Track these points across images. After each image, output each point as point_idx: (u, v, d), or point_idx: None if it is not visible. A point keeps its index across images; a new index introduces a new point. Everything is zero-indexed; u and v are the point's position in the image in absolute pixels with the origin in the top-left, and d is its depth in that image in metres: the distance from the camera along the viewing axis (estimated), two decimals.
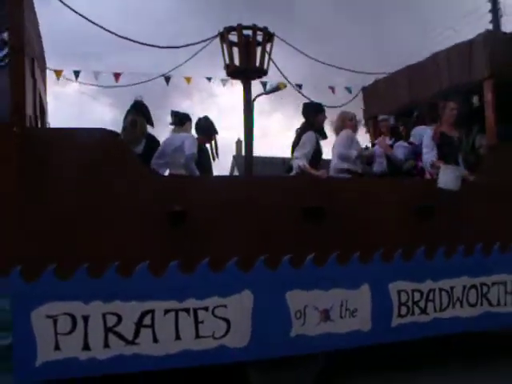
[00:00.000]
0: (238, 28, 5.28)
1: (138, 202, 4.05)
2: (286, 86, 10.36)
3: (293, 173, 5.18)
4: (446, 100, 5.53)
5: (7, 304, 3.78)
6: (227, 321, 4.19)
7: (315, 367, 4.55)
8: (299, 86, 9.17)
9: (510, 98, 5.14)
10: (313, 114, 5.27)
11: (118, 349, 3.95)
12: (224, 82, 11.02)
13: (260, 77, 5.64)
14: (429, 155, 5.24)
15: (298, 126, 5.34)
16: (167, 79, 10.37)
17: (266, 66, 5.40)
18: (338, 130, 5.72)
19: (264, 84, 11.95)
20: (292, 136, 5.39)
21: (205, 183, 4.51)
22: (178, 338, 4.08)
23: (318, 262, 4.44)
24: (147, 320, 4.02)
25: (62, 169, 3.92)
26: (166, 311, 4.06)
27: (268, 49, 5.49)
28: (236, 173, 26.46)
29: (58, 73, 7.16)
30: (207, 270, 4.16)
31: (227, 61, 5.39)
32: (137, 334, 3.99)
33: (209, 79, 10.32)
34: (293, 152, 5.22)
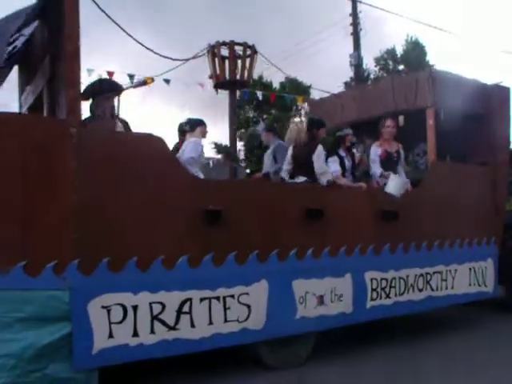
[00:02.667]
0: (231, 44, 5.86)
1: (180, 202, 4.50)
2: (153, 81, 10.63)
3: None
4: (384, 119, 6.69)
5: (66, 297, 4.01)
6: (249, 306, 4.81)
7: (309, 344, 5.34)
8: (167, 81, 9.59)
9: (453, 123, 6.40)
10: (316, 128, 5.93)
11: (162, 334, 4.38)
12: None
13: (244, 87, 6.25)
14: (376, 168, 6.33)
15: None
16: None
17: (249, 78, 6.02)
18: (292, 140, 6.39)
19: (131, 76, 11.79)
20: None
21: (236, 186, 5.08)
22: (210, 322, 4.61)
23: (315, 255, 5.23)
24: (186, 307, 4.50)
25: (113, 170, 4.24)
26: (202, 299, 4.57)
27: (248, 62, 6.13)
28: None
29: None
30: (234, 262, 4.74)
31: (218, 72, 5.93)
32: (177, 320, 4.45)
33: None
34: (300, 160, 5.85)
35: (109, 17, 4.79)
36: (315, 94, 20.89)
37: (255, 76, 21.99)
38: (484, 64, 37.31)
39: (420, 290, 6.08)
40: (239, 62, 6.04)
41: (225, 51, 5.95)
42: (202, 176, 5.55)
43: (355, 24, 18.10)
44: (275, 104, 22.95)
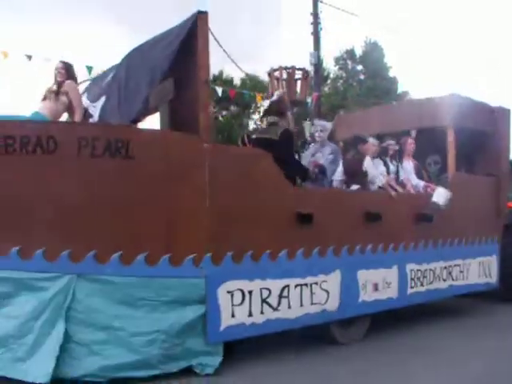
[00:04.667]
0: (292, 69, 6.84)
1: (281, 206, 5.44)
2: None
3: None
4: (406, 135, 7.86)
5: (202, 283, 4.90)
6: (327, 292, 5.82)
7: (367, 324, 6.41)
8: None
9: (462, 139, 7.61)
10: (361, 144, 6.96)
11: (268, 315, 5.33)
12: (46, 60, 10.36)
13: (301, 105, 7.26)
14: (417, 180, 7.47)
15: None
16: None
17: (304, 97, 7.02)
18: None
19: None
20: None
21: (320, 192, 6.10)
22: (301, 305, 5.59)
23: (373, 250, 6.31)
24: (285, 292, 5.46)
25: (235, 179, 5.13)
26: (296, 286, 5.55)
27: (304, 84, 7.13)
28: None
29: None
30: (318, 255, 5.74)
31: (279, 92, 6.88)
32: (279, 302, 5.41)
33: (29, 57, 9.42)
34: (351, 172, 6.89)
35: (214, 37, 5.56)
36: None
37: (215, 71, 22.44)
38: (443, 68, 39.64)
39: (444, 280, 7.28)
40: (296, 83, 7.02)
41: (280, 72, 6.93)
42: None
43: (316, 23, 17.49)
44: (235, 101, 22.97)
